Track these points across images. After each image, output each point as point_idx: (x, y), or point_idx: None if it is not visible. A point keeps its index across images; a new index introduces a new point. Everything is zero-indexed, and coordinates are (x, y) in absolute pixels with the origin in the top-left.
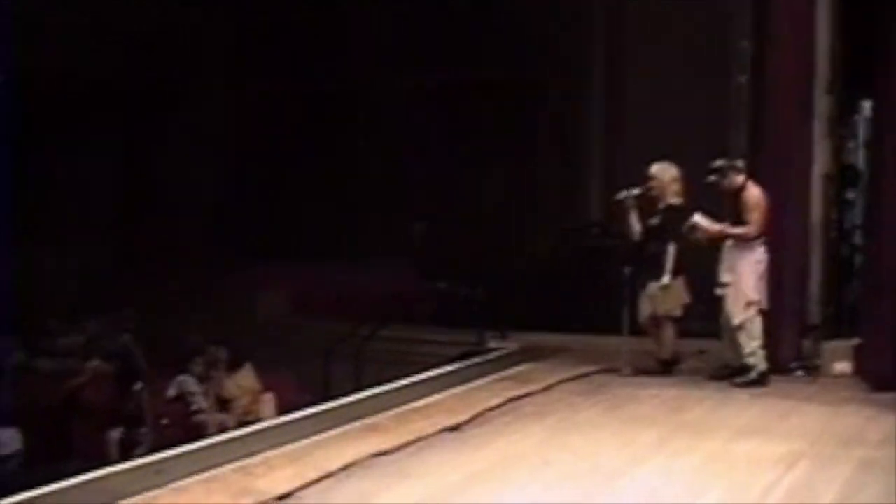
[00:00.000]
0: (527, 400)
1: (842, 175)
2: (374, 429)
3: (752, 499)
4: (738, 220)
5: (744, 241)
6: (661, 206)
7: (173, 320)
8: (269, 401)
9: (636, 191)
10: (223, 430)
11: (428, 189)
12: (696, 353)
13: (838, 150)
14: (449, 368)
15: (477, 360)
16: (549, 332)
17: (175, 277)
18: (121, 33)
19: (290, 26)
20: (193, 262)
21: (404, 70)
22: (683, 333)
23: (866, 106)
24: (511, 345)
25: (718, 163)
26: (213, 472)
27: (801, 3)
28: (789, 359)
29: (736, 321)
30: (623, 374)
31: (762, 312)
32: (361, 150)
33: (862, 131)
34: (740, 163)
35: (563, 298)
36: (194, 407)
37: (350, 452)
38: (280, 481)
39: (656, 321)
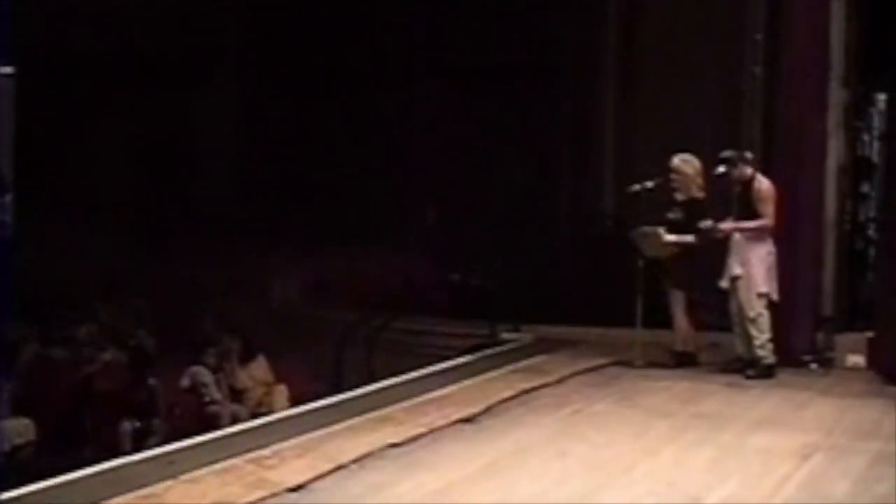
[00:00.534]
0: (540, 391)
1: (856, 168)
2: (387, 420)
3: (767, 491)
4: (746, 211)
5: (760, 234)
6: (682, 199)
7: (187, 306)
8: (281, 392)
9: (650, 184)
10: (236, 421)
11: (440, 177)
12: (709, 346)
13: (853, 143)
14: (462, 360)
15: (490, 351)
16: (562, 324)
17: (191, 262)
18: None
19: (307, 8)
20: (210, 246)
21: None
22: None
23: (881, 98)
24: (524, 336)
25: (728, 153)
26: (226, 463)
27: None
28: (803, 351)
29: (751, 313)
30: (636, 366)
31: (772, 304)
32: (373, 137)
33: (877, 124)
34: (749, 154)
35: (577, 290)
36: (207, 398)
37: (363, 444)
38: (293, 473)
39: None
